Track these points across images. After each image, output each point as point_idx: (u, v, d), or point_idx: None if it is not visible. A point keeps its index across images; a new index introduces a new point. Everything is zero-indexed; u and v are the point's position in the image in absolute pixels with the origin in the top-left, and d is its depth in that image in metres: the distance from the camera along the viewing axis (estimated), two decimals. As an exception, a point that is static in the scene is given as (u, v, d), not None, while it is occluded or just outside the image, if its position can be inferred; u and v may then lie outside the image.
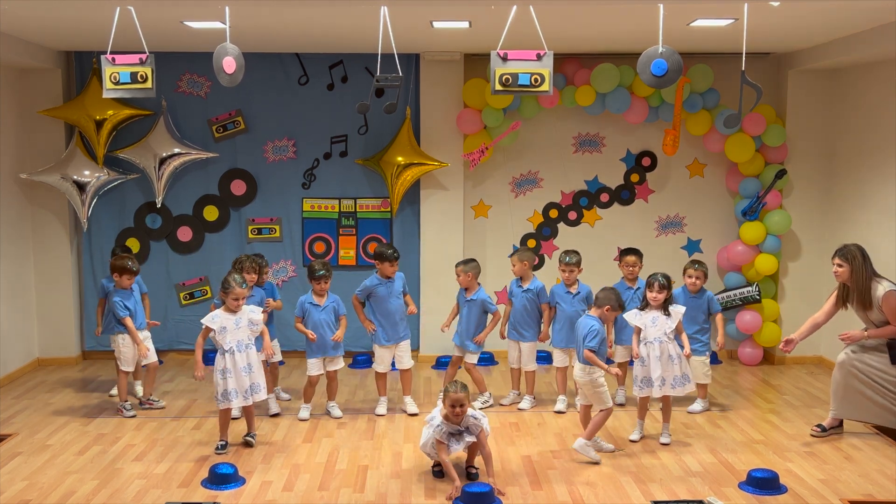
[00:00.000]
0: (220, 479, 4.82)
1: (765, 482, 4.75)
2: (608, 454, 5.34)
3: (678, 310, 5.53)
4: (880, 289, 5.36)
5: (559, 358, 6.31)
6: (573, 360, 5.58)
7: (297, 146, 7.63)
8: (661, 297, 5.44)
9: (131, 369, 6.26)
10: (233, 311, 5.32)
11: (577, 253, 6.27)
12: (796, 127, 7.52)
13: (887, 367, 5.45)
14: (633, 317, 5.56)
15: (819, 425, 5.74)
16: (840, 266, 5.47)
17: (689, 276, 6.14)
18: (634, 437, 5.60)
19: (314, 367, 6.03)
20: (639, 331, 5.53)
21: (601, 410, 5.24)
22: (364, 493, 4.73)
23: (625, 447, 5.47)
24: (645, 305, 5.56)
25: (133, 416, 6.09)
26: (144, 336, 6.27)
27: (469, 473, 4.99)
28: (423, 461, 5.21)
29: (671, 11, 5.03)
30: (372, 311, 6.18)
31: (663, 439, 5.54)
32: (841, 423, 5.73)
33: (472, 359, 6.24)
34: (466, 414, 4.73)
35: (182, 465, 5.16)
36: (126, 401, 6.20)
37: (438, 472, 5.00)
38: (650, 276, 5.51)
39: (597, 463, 5.16)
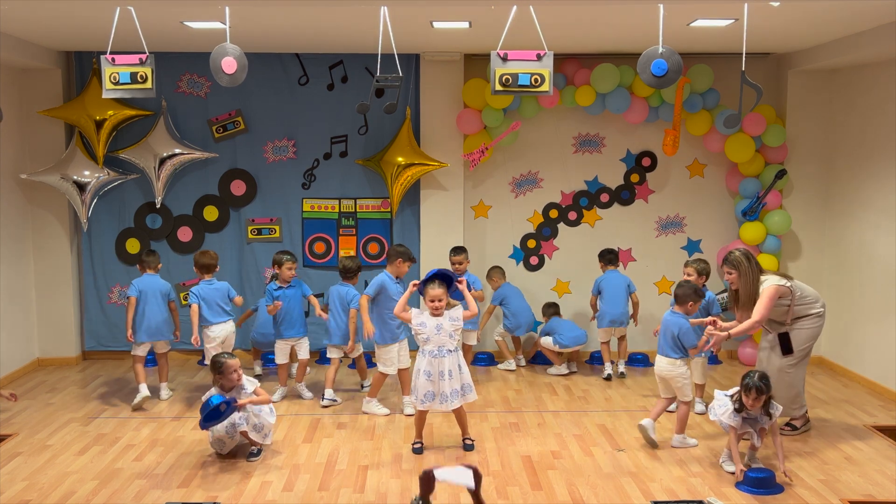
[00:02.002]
0: (213, 411, 5.00)
1: (761, 482, 4.74)
2: (609, 454, 5.35)
3: (778, 411, 4.94)
4: (766, 283, 5.42)
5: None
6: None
7: (297, 146, 7.63)
8: (759, 403, 4.83)
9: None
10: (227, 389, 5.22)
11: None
12: (796, 127, 7.53)
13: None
14: (728, 418, 4.96)
15: (789, 424, 5.76)
16: (729, 273, 5.54)
17: (690, 275, 6.14)
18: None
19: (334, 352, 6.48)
20: (734, 429, 4.98)
21: (683, 403, 5.41)
22: (364, 493, 4.73)
23: (625, 447, 5.48)
24: (741, 407, 4.90)
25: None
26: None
27: (465, 445, 5.38)
28: (422, 461, 5.22)
29: (671, 11, 5.04)
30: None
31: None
32: (808, 420, 5.82)
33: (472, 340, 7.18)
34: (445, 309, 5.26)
35: (182, 465, 5.17)
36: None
37: (418, 448, 5.34)
38: (747, 380, 4.82)
39: (695, 446, 5.45)
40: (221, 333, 6.35)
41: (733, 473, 4.96)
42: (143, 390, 6.28)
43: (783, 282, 5.46)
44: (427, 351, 5.23)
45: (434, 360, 5.20)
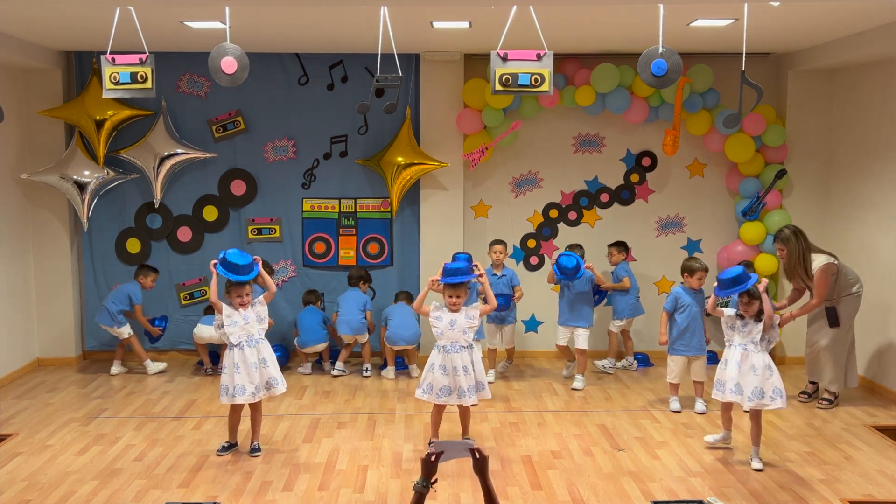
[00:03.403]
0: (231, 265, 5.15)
1: (736, 280, 4.99)
2: (609, 454, 5.35)
3: (777, 319, 5.19)
4: (816, 262, 6.09)
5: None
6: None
7: (297, 146, 7.63)
8: (753, 309, 5.08)
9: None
10: (239, 307, 5.23)
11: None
12: (796, 127, 7.53)
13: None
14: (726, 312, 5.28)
15: (825, 398, 6.34)
16: (781, 249, 6.24)
17: (700, 279, 6.24)
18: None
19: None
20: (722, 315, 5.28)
21: None
22: (364, 493, 4.73)
23: (625, 447, 5.48)
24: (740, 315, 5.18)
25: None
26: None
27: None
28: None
29: (671, 11, 5.04)
30: None
31: (755, 465, 5.12)
32: (817, 390, 6.50)
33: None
34: (462, 306, 5.31)
35: (182, 465, 5.17)
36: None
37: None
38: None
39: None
40: (206, 334, 7.11)
41: (726, 444, 5.42)
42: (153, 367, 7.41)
43: (832, 259, 6.05)
44: (440, 346, 5.25)
45: (448, 355, 5.21)
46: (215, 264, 5.19)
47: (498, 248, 7.12)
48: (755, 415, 5.11)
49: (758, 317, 5.09)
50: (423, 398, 5.31)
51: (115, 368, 7.33)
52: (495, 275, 7.07)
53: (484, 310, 5.39)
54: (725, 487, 4.81)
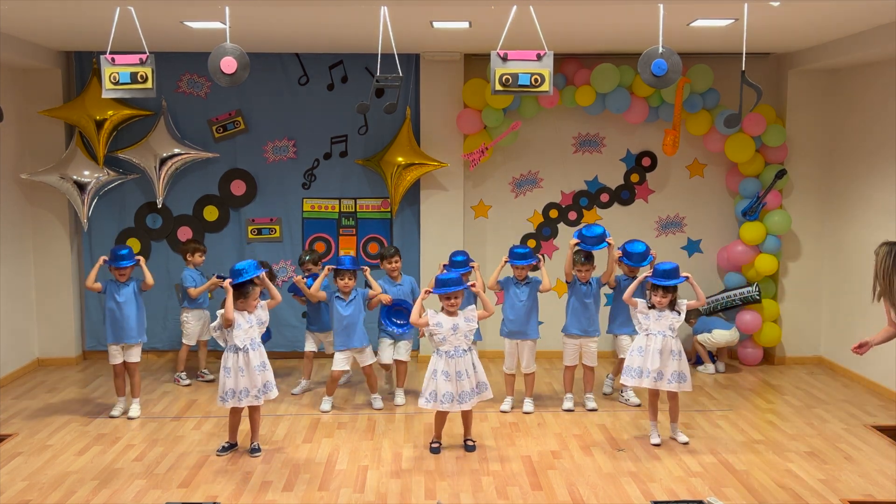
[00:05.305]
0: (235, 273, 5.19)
1: (667, 273, 5.42)
2: (609, 454, 5.35)
3: (683, 304, 5.54)
4: None
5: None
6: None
7: (297, 146, 7.63)
8: (665, 301, 5.47)
9: (192, 343, 6.98)
10: (250, 312, 5.28)
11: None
12: (796, 127, 7.52)
13: None
14: (639, 310, 5.61)
15: None
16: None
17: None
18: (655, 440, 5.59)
19: (340, 362, 6.20)
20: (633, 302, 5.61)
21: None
22: (364, 493, 4.73)
23: (625, 447, 5.48)
24: (652, 305, 5.57)
25: (188, 385, 6.89)
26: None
27: (467, 446, 5.44)
28: (423, 461, 5.22)
29: (671, 11, 5.04)
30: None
31: (681, 438, 5.60)
32: None
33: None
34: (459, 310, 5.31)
35: (182, 465, 5.17)
36: (182, 371, 6.96)
37: (436, 448, 5.36)
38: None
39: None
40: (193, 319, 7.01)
41: (658, 445, 5.47)
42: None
43: None
44: (443, 352, 5.22)
45: (451, 360, 5.20)
46: (230, 282, 5.18)
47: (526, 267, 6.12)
48: (674, 395, 5.54)
49: (671, 306, 5.50)
50: (429, 407, 5.26)
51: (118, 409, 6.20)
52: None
53: (480, 315, 5.38)
54: (725, 487, 4.81)
